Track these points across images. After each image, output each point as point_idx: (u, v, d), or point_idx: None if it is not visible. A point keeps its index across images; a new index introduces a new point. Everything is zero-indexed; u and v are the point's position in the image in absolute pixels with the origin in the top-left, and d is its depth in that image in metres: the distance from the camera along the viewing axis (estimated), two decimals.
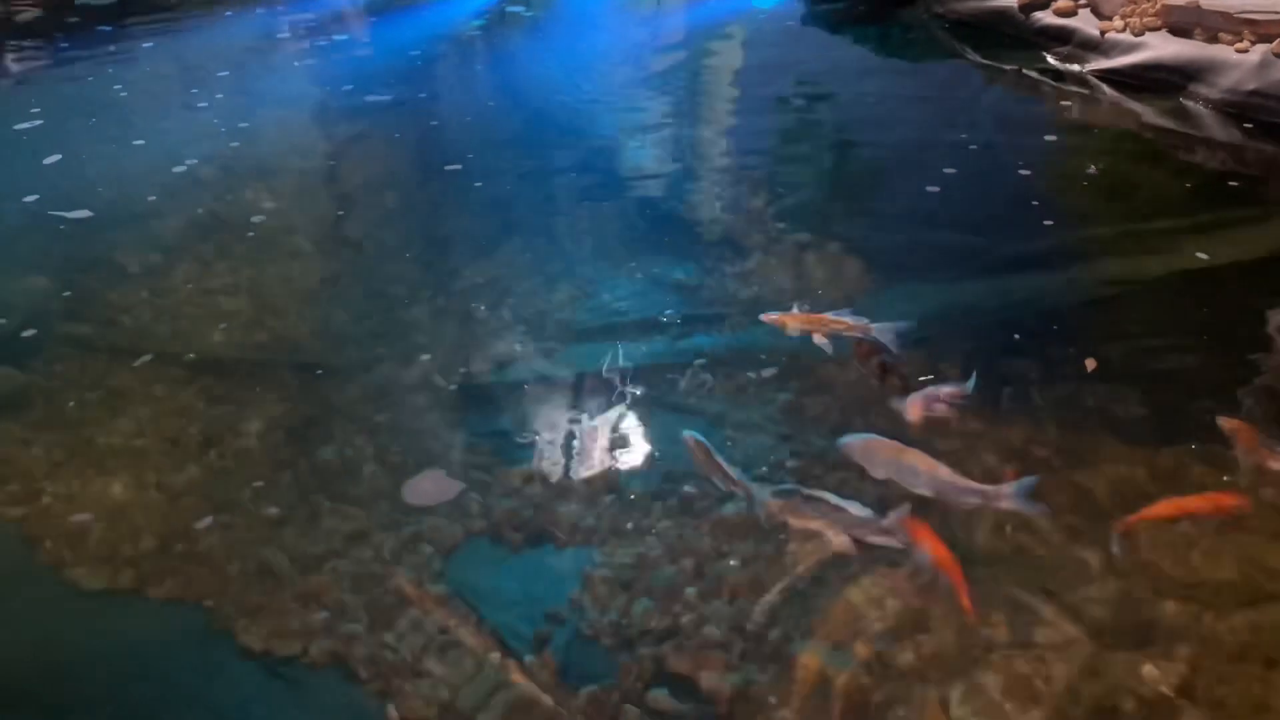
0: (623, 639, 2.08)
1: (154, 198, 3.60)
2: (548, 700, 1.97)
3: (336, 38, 5.43)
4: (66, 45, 5.34)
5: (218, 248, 3.40)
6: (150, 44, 5.30)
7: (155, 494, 2.52)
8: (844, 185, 3.77)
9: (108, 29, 5.60)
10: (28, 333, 3.01)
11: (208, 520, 2.42)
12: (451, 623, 2.14)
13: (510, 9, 5.90)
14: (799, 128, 4.23)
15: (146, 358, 2.94)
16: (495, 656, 2.06)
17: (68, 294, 3.17)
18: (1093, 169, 3.74)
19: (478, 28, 5.63)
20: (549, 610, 2.16)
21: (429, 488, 2.26)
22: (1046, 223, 3.39)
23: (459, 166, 3.76)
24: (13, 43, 5.51)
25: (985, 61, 4.79)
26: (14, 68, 5.09)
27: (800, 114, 4.34)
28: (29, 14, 5.97)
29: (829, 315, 2.75)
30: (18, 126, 4.14)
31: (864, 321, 2.70)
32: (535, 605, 2.19)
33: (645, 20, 5.87)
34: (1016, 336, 2.85)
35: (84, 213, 3.45)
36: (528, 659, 2.05)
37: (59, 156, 3.88)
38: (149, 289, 3.22)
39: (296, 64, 5.13)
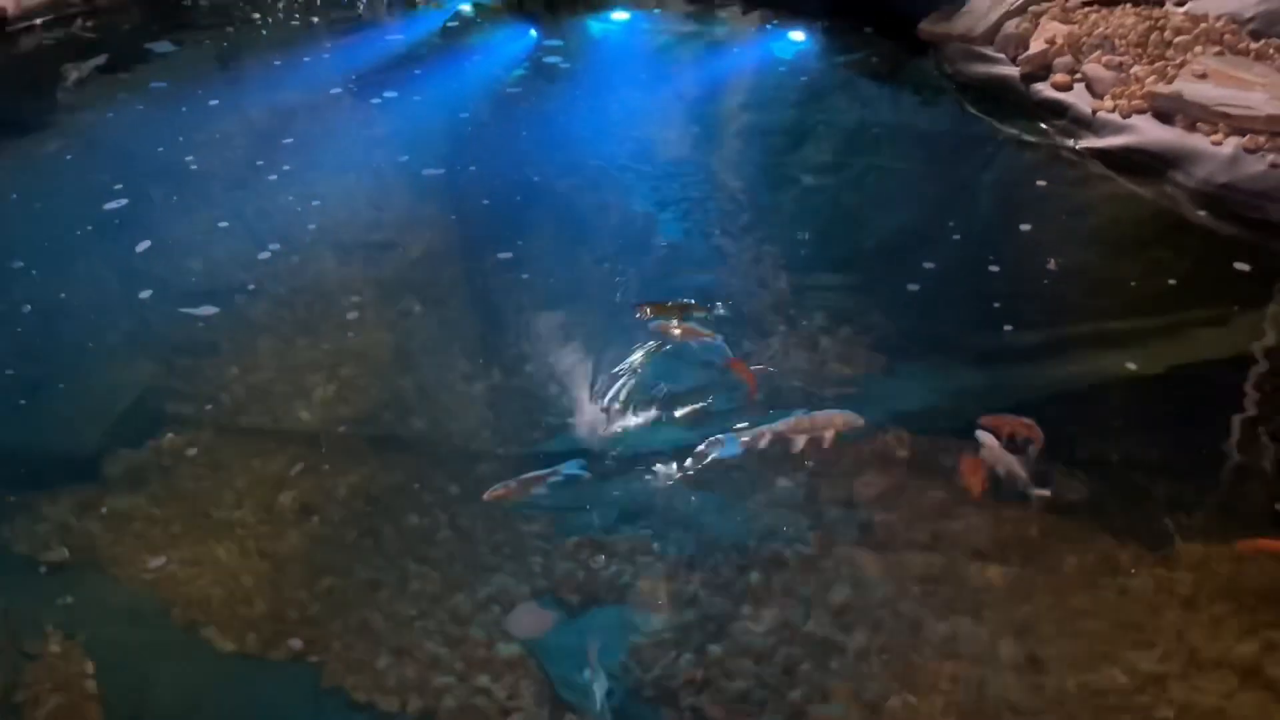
0: (666, 690, 2.56)
1: (252, 286, 4.10)
2: None
3: (386, 94, 5.78)
4: (139, 105, 5.73)
5: (300, 327, 3.90)
6: (215, 102, 5.66)
7: (262, 561, 3.01)
8: (850, 272, 4.20)
9: (163, 85, 5.94)
10: (141, 414, 3.51)
11: (312, 584, 2.92)
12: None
13: (547, 59, 6.22)
14: (812, 208, 4.63)
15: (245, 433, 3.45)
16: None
17: (173, 377, 3.67)
18: (1053, 265, 4.06)
19: (518, 80, 5.94)
20: (603, 663, 2.65)
21: (528, 620, 2.72)
22: (1006, 328, 3.77)
23: (510, 255, 4.20)
24: (82, 98, 5.96)
25: (988, 130, 5.10)
26: (90, 130, 5.49)
27: (813, 192, 4.72)
28: (94, 61, 6.47)
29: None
30: (107, 206, 4.58)
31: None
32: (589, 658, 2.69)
33: (673, 71, 6.16)
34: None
35: (210, 309, 3.95)
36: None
37: (149, 243, 4.34)
38: (240, 367, 3.72)
39: (353, 129, 5.49)
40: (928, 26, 5.77)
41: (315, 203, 4.68)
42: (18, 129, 5.65)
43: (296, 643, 2.75)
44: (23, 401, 3.59)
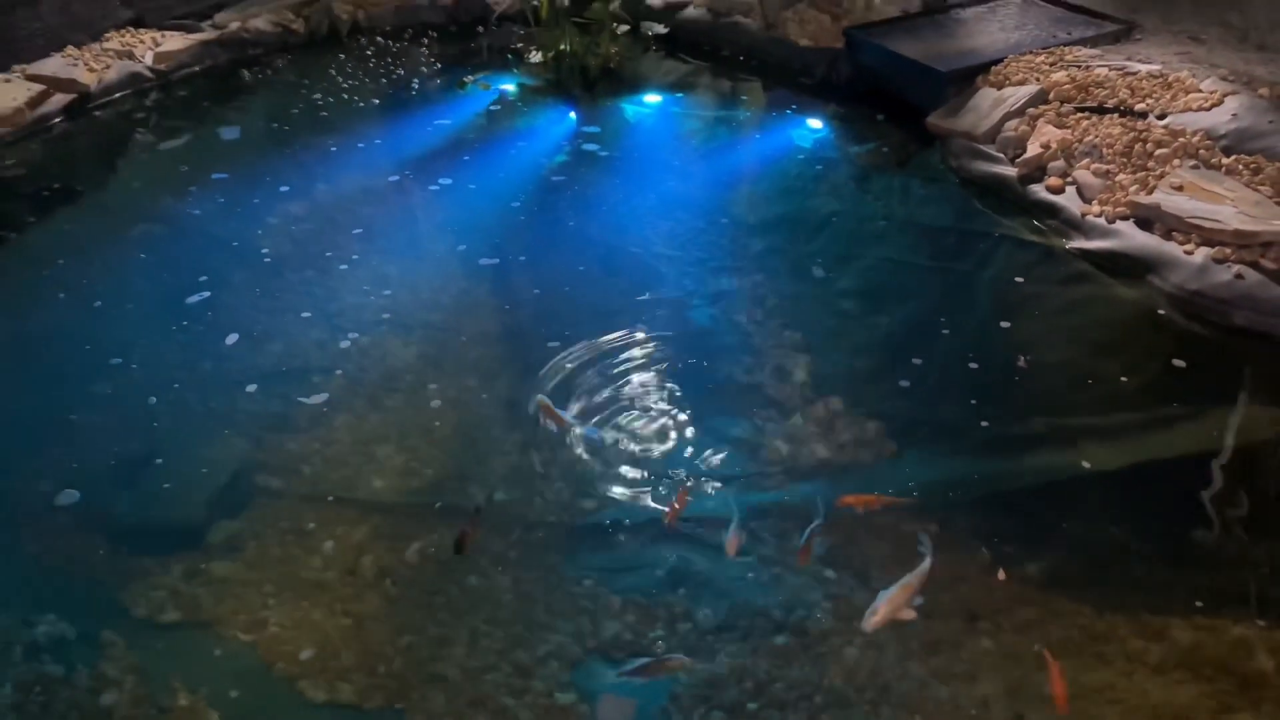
0: None
1: (340, 371, 4.54)
2: None
3: (442, 181, 6.18)
4: (213, 191, 6.09)
5: (372, 405, 4.33)
6: (285, 189, 6.07)
7: (347, 620, 3.41)
8: (857, 362, 4.61)
9: (233, 171, 6.31)
10: (237, 487, 3.93)
11: (393, 640, 3.32)
12: None
13: (586, 146, 6.64)
14: (825, 299, 5.02)
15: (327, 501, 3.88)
16: None
17: (263, 453, 4.09)
18: (1031, 362, 4.43)
19: (561, 168, 6.35)
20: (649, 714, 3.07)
21: (612, 710, 3.11)
22: (983, 424, 4.12)
23: (558, 344, 4.62)
24: (160, 180, 6.36)
25: (987, 227, 5.46)
26: (170, 216, 5.91)
27: (825, 284, 5.13)
28: (176, 141, 6.95)
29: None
30: (189, 300, 5.00)
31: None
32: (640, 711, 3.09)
33: (701, 158, 6.58)
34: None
35: (297, 394, 4.39)
36: None
37: (237, 336, 4.75)
38: (321, 442, 4.16)
39: (414, 217, 5.91)
40: (935, 120, 6.20)
41: (386, 292, 5.11)
42: (105, 210, 6.18)
43: (381, 693, 3.15)
44: (134, 480, 4.02)
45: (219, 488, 3.95)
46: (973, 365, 4.45)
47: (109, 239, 5.78)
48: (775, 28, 7.88)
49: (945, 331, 4.69)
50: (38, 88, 7.00)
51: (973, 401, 4.23)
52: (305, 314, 4.94)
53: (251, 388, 4.45)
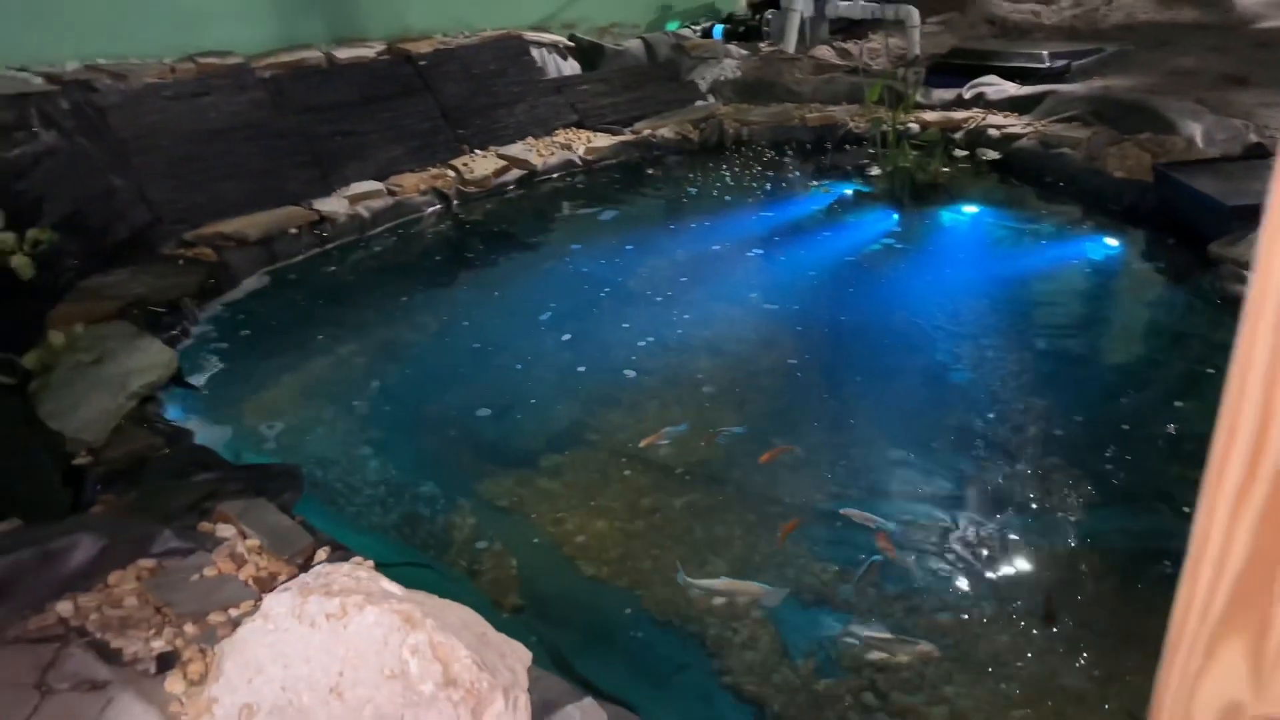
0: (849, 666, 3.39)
1: (634, 358, 5.39)
2: None
3: (756, 252, 6.96)
4: (589, 251, 7.20)
5: (670, 395, 5.09)
6: (630, 248, 7.15)
7: (618, 532, 4.16)
8: (1087, 429, 4.69)
9: (602, 238, 7.44)
10: (566, 436, 4.81)
11: (647, 552, 4.02)
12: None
13: (891, 240, 7.09)
14: (1075, 379, 5.14)
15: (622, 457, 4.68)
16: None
17: (587, 416, 4.97)
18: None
19: (862, 253, 6.80)
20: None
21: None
22: (1175, 490, 4.10)
23: (796, 361, 5.22)
24: (565, 236, 7.71)
25: (1228, 338, 5.34)
26: (564, 258, 7.12)
27: (1075, 365, 5.24)
28: (587, 210, 8.38)
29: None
30: (541, 317, 6.12)
31: None
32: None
33: (999, 259, 6.70)
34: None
35: (607, 375, 5.29)
36: None
37: (569, 335, 5.81)
38: (630, 416, 5.02)
39: (724, 273, 6.68)
40: (1215, 248, 5.98)
41: (686, 316, 5.97)
42: (525, 250, 7.48)
43: (628, 579, 3.82)
44: (497, 422, 5.06)
45: (556, 432, 4.89)
46: (1186, 444, 4.40)
47: (519, 269, 7.19)
48: (1096, 160, 7.93)
49: (1168, 414, 4.68)
50: (502, 163, 8.81)
51: (1174, 470, 4.24)
52: (625, 325, 5.95)
53: (581, 369, 5.47)
